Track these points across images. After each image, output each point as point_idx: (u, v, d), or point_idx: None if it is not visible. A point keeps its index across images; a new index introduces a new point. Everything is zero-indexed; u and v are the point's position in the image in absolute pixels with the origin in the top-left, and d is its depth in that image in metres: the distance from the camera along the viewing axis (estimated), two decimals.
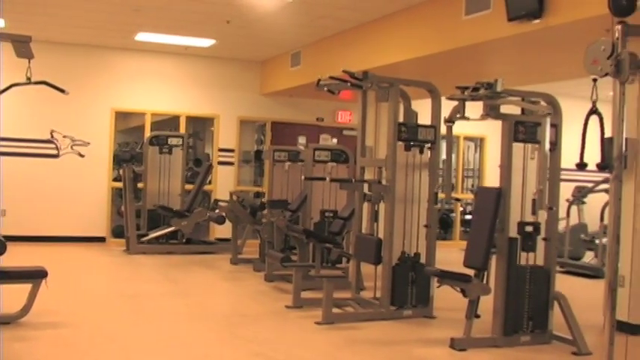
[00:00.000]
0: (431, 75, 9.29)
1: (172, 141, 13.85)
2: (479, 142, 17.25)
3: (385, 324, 7.91)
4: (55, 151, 13.27)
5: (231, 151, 14.99)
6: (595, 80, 4.73)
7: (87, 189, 13.75)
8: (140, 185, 13.65)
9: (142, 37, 12.75)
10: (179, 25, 11.81)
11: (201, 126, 16.31)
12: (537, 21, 7.47)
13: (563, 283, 8.21)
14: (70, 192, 13.58)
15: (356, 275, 8.75)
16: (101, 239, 13.82)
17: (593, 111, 4.84)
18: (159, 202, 13.49)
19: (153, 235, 13.06)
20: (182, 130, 14.62)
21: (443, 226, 16.23)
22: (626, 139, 7.05)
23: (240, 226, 12.49)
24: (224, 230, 13.35)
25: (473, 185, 17.61)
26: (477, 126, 10.44)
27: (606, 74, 4.47)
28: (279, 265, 9.15)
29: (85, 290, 9.30)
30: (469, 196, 16.85)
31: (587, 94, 4.81)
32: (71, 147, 13.18)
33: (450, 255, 10.31)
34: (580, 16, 6.99)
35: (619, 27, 4.43)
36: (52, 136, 13.14)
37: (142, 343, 6.73)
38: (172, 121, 15.16)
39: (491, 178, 14.76)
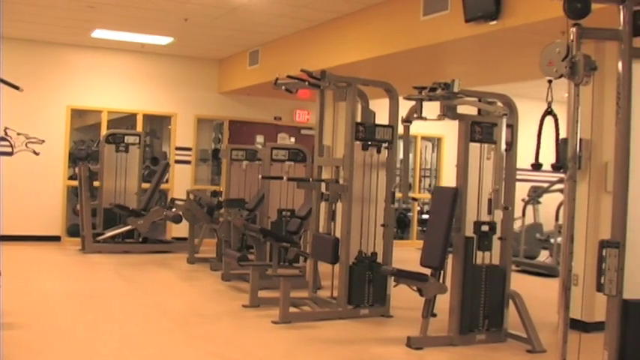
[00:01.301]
0: (389, 75, 9.32)
1: (129, 139, 13.72)
2: (436, 142, 17.34)
3: (342, 323, 7.92)
4: (9, 149, 13.15)
5: (189, 149, 14.92)
6: (550, 82, 4.77)
7: (42, 187, 13.56)
8: (96, 184, 13.47)
9: (99, 34, 12.62)
10: (136, 23, 11.71)
11: (158, 124, 16.22)
12: (494, 22, 7.54)
13: (519, 282, 8.29)
14: (24, 190, 13.37)
15: (313, 274, 8.76)
16: (56, 238, 13.66)
17: (549, 112, 4.89)
18: (115, 201, 13.35)
19: (109, 234, 12.94)
20: (139, 128, 14.51)
21: (400, 225, 16.30)
22: (581, 139, 7.13)
23: (197, 225, 12.43)
24: (181, 229, 13.24)
25: (430, 185, 17.69)
26: (434, 126, 10.49)
27: (561, 76, 4.52)
28: (236, 264, 9.11)
29: (40, 290, 9.18)
30: (427, 196, 16.91)
31: (543, 95, 4.85)
32: (26, 145, 13.08)
33: (408, 254, 10.38)
34: (536, 18, 7.06)
35: (574, 29, 4.48)
36: (5, 134, 13.01)
37: (98, 343, 6.67)
38: (129, 119, 15.01)
39: (449, 178, 14.81)
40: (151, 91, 14.60)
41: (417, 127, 9.24)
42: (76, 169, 13.43)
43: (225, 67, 14.91)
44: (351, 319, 8.06)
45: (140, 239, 13.07)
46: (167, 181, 14.59)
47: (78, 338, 6.80)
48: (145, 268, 11.38)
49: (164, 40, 13.09)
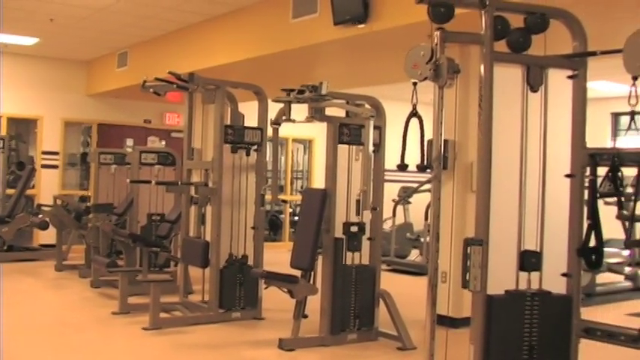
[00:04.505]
0: (259, 77, 9.33)
1: None
2: (307, 144, 17.46)
3: (214, 327, 7.87)
4: None
5: (56, 153, 14.58)
6: (415, 84, 4.86)
7: None
8: None
9: None
10: None
11: (24, 128, 15.73)
12: (362, 26, 7.65)
13: (390, 281, 8.42)
14: None
15: (184, 279, 8.69)
16: None
17: (414, 114, 4.98)
18: None
19: None
20: (3, 131, 14.06)
21: (272, 227, 16.34)
22: (446, 140, 7.32)
23: (64, 231, 12.11)
24: (48, 236, 12.89)
25: (302, 186, 17.79)
26: (305, 128, 10.55)
27: (425, 78, 4.61)
28: (105, 270, 8.93)
29: None
30: (298, 198, 16.97)
31: (410, 97, 4.94)
32: None
33: (280, 256, 10.36)
34: (403, 22, 7.21)
35: (438, 33, 4.57)
36: None
37: None
38: None
39: (320, 180, 14.90)
40: (16, 94, 14.15)
41: (288, 129, 9.29)
42: None
43: (93, 69, 14.62)
44: (222, 322, 8.02)
45: (5, 247, 12.63)
46: (33, 187, 14.15)
47: None
48: (9, 278, 10.99)
49: (29, 41, 12.75)
